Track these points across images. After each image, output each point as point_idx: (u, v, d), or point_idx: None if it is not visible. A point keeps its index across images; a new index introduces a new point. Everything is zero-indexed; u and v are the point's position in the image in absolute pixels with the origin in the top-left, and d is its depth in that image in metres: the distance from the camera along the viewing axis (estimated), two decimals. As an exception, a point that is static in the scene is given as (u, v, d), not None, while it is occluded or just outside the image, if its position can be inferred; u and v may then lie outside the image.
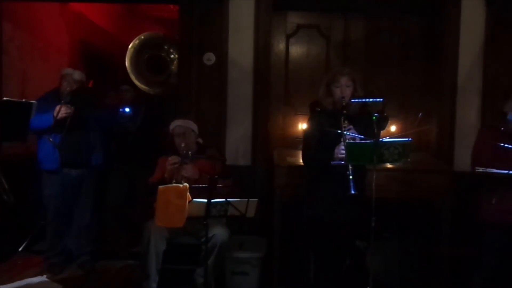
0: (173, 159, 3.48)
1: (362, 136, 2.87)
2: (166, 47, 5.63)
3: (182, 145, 3.54)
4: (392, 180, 3.57)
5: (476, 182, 3.13)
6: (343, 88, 2.99)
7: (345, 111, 2.90)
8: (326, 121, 3.00)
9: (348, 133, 2.84)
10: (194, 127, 3.71)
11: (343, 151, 2.81)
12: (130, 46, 5.61)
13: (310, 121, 3.15)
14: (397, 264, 3.72)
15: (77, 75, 3.83)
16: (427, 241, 3.88)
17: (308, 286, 3.66)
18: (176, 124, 3.67)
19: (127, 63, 5.57)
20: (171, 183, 3.30)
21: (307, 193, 3.15)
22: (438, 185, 3.61)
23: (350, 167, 2.75)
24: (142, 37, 5.64)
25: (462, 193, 3.86)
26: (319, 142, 3.02)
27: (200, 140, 3.78)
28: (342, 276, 3.32)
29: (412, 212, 3.89)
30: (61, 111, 3.61)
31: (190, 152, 3.49)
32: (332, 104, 3.05)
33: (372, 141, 2.75)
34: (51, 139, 3.66)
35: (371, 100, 3.06)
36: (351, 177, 2.73)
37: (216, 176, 3.30)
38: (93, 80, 3.99)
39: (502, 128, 2.95)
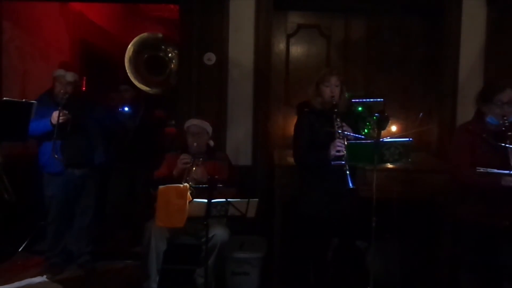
0: (185, 158, 3.49)
1: (359, 136, 2.91)
2: (164, 47, 5.62)
3: (195, 144, 3.55)
4: (393, 180, 3.58)
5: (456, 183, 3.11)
6: (333, 88, 3.08)
7: (336, 109, 2.99)
8: (316, 121, 3.08)
9: (345, 133, 2.87)
10: (209, 129, 3.72)
11: (339, 148, 2.85)
12: (129, 46, 5.60)
13: (299, 121, 3.24)
14: (398, 264, 3.71)
15: (70, 76, 3.78)
16: (428, 241, 3.88)
17: (308, 286, 3.66)
18: (192, 123, 3.69)
19: (126, 63, 5.57)
20: (180, 182, 3.30)
21: (300, 192, 3.19)
22: (438, 185, 3.60)
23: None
24: (141, 37, 5.64)
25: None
26: (311, 142, 3.08)
27: (211, 143, 3.78)
28: (342, 275, 3.33)
29: (413, 212, 3.88)
30: (60, 117, 3.60)
31: (201, 153, 3.52)
32: (321, 104, 3.13)
33: (373, 141, 2.75)
34: (56, 155, 3.63)
35: (371, 100, 3.09)
36: (347, 172, 2.79)
37: (219, 178, 3.30)
38: (85, 78, 3.96)
39: (484, 135, 2.89)
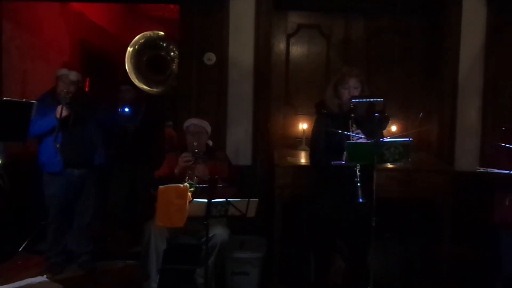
0: (187, 156, 3.50)
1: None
2: (166, 46, 5.61)
3: (195, 143, 3.56)
4: (393, 180, 3.57)
5: (486, 184, 3.07)
6: (351, 90, 2.96)
7: (353, 115, 2.88)
8: (332, 124, 2.96)
9: (356, 135, 2.81)
10: (208, 128, 3.75)
11: None
12: (130, 46, 5.60)
13: (316, 123, 3.13)
14: (398, 264, 3.71)
15: (73, 76, 3.79)
16: (428, 240, 3.88)
17: (308, 286, 3.66)
18: (192, 123, 3.70)
19: (127, 63, 5.56)
20: (182, 181, 3.30)
21: (312, 194, 3.14)
22: (438, 185, 3.61)
23: (358, 173, 2.73)
24: (142, 36, 5.63)
25: (463, 193, 3.87)
26: (326, 144, 3.00)
27: (210, 142, 3.79)
28: (343, 276, 3.32)
29: (413, 212, 3.89)
30: (63, 111, 3.61)
31: (201, 152, 3.54)
32: (338, 106, 3.02)
33: (373, 141, 2.74)
34: (58, 145, 3.64)
35: (371, 100, 3.04)
36: (359, 184, 2.71)
37: (218, 177, 3.30)
38: (89, 78, 3.96)
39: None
